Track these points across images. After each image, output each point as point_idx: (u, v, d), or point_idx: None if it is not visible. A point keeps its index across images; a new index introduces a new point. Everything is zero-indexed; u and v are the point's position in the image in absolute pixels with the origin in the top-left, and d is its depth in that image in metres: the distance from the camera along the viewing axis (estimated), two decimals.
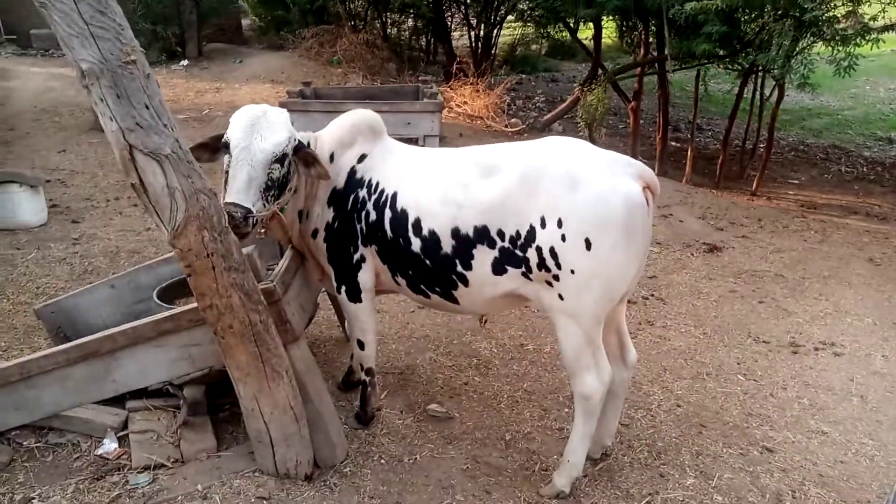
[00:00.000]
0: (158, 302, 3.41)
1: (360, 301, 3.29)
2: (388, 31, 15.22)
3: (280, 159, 2.89)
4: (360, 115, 3.28)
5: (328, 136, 3.25)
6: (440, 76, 13.33)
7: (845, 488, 3.36)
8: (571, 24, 11.21)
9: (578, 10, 9.59)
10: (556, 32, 12.57)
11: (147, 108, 2.28)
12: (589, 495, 3.17)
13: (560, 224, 2.69)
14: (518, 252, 2.81)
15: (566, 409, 3.83)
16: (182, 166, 2.38)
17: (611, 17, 10.55)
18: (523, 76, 15.25)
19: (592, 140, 9.02)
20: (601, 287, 2.75)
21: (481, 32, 13.93)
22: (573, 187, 2.70)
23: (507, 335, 4.72)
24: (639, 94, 9.98)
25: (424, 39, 16.22)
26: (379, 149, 3.23)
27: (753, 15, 8.03)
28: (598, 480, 3.29)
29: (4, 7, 13.34)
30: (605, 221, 2.67)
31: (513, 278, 2.89)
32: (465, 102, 11.12)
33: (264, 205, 2.87)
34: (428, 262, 3.00)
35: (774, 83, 8.83)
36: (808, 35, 7.37)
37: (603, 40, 11.50)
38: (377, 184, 3.12)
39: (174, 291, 3.58)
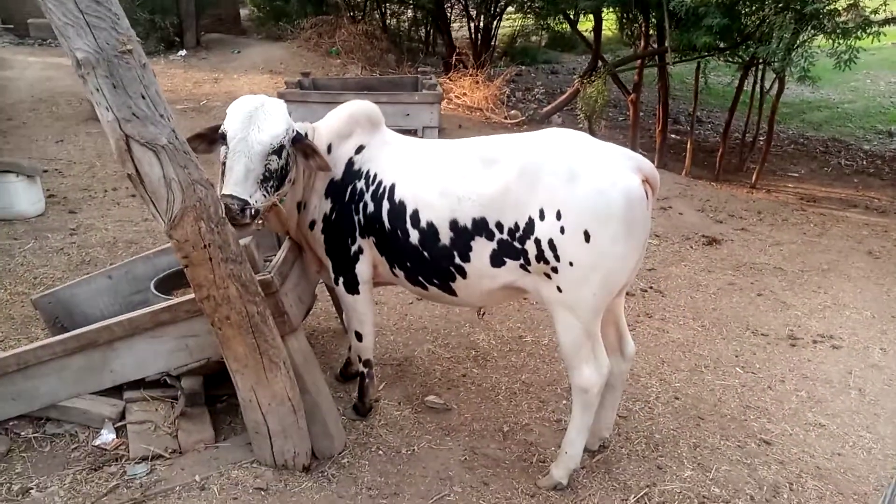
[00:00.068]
0: (156, 293, 3.40)
1: (358, 293, 3.28)
2: (388, 21, 15.14)
3: (278, 150, 2.87)
4: (358, 106, 3.26)
5: (326, 127, 3.23)
6: (439, 67, 13.28)
7: (842, 481, 3.36)
8: (571, 16, 11.16)
9: (578, 1, 9.55)
10: (557, 24, 12.51)
11: (143, 97, 2.27)
12: (586, 487, 3.18)
13: (559, 216, 2.68)
14: (517, 244, 2.80)
15: (564, 401, 3.83)
16: (179, 157, 2.37)
17: (611, 9, 10.49)
18: (523, 68, 15.17)
19: (592, 132, 9.00)
20: (600, 280, 2.74)
21: (481, 23, 13.86)
22: (572, 180, 2.68)
23: (506, 327, 4.72)
24: (639, 87, 9.94)
25: (424, 30, 16.13)
26: (377, 140, 3.21)
27: (754, 7, 7.99)
28: (595, 472, 3.29)
29: None
30: (603, 214, 2.66)
31: (511, 270, 2.88)
32: (465, 94, 11.08)
33: (264, 196, 2.86)
34: (426, 253, 2.99)
35: (775, 76, 8.80)
36: (809, 28, 7.33)
37: (603, 32, 11.45)
38: (375, 175, 3.11)
39: (172, 282, 3.57)
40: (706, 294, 5.53)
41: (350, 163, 3.17)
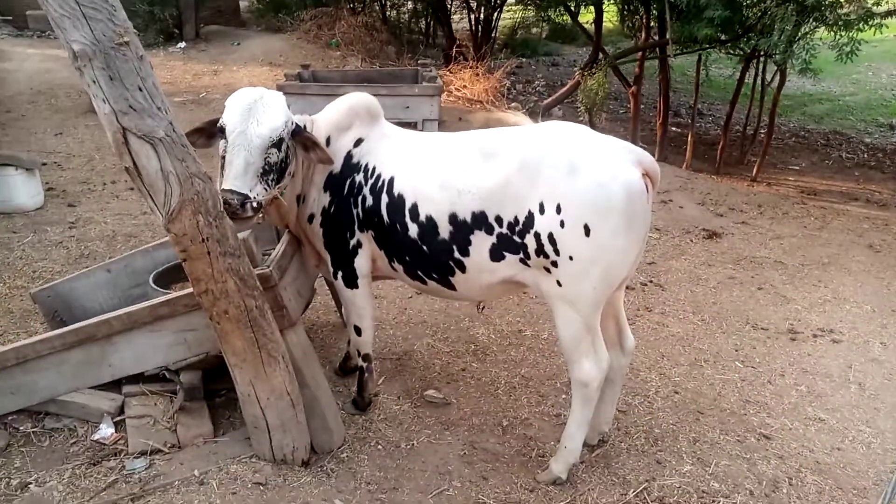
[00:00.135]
0: (154, 286, 3.39)
1: (357, 287, 3.27)
2: (388, 13, 15.07)
3: (277, 144, 2.85)
4: (357, 99, 3.24)
5: (325, 119, 3.21)
6: (440, 59, 13.21)
7: (842, 475, 3.36)
8: (572, 8, 11.09)
9: None
10: (557, 16, 12.44)
11: (140, 90, 2.25)
12: (586, 482, 3.18)
13: (559, 210, 2.67)
14: (516, 238, 2.79)
15: (563, 396, 3.83)
16: (176, 149, 2.36)
17: (612, 1, 10.46)
18: (523, 60, 15.11)
19: (592, 125, 8.97)
20: (600, 274, 2.73)
21: (481, 15, 13.79)
22: (572, 173, 2.67)
23: (505, 321, 4.72)
24: (639, 79, 9.90)
25: (424, 22, 16.05)
26: (376, 133, 3.19)
27: None
28: (594, 467, 3.29)
29: None
30: (604, 208, 2.65)
31: (511, 265, 2.87)
32: (465, 86, 11.02)
33: (265, 189, 2.84)
34: (425, 247, 2.98)
35: (776, 68, 8.78)
36: (811, 20, 7.31)
37: (604, 24, 11.38)
38: (374, 168, 3.09)
39: (170, 276, 3.56)
40: (706, 288, 5.52)
41: (349, 156, 3.15)
